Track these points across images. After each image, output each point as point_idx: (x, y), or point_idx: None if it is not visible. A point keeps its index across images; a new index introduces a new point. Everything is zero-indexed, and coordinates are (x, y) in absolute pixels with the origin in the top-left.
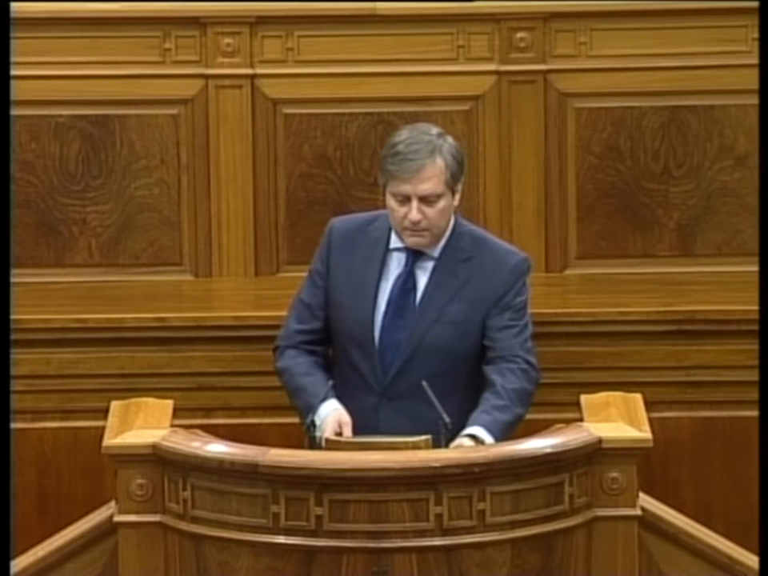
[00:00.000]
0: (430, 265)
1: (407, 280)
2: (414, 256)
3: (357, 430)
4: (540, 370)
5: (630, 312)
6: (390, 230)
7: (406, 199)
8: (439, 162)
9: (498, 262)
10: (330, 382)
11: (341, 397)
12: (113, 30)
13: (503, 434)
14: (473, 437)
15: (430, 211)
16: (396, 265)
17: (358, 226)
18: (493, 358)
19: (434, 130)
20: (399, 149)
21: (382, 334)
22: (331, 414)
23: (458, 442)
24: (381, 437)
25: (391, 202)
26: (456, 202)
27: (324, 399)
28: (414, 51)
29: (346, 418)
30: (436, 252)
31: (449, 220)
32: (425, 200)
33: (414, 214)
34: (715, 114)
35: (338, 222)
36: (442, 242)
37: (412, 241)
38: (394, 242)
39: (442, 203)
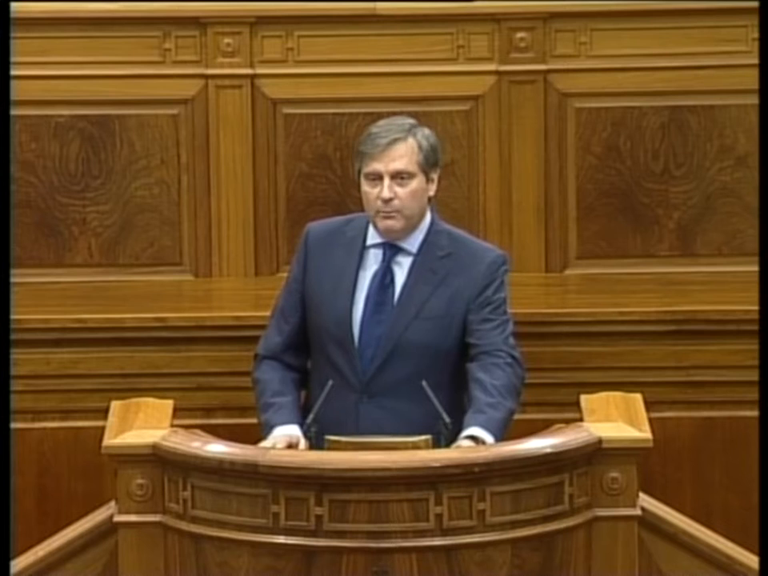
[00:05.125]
0: (407, 260)
1: (385, 275)
2: (392, 251)
3: (337, 429)
4: (526, 369)
5: (630, 312)
6: (366, 227)
7: (378, 178)
8: (411, 141)
9: (476, 258)
10: (298, 404)
11: (319, 396)
12: (113, 29)
13: (500, 431)
14: (473, 438)
15: (401, 191)
16: (373, 261)
17: (335, 228)
18: (476, 355)
19: (411, 120)
20: (373, 131)
21: (361, 331)
22: (283, 433)
23: (458, 444)
24: (380, 437)
25: (365, 186)
26: (432, 192)
27: (285, 423)
28: (414, 51)
29: (296, 440)
30: (414, 247)
31: (422, 207)
32: (396, 178)
33: (386, 192)
34: (715, 114)
35: (315, 225)
36: (420, 237)
37: (384, 224)
38: (371, 238)
39: (414, 184)
